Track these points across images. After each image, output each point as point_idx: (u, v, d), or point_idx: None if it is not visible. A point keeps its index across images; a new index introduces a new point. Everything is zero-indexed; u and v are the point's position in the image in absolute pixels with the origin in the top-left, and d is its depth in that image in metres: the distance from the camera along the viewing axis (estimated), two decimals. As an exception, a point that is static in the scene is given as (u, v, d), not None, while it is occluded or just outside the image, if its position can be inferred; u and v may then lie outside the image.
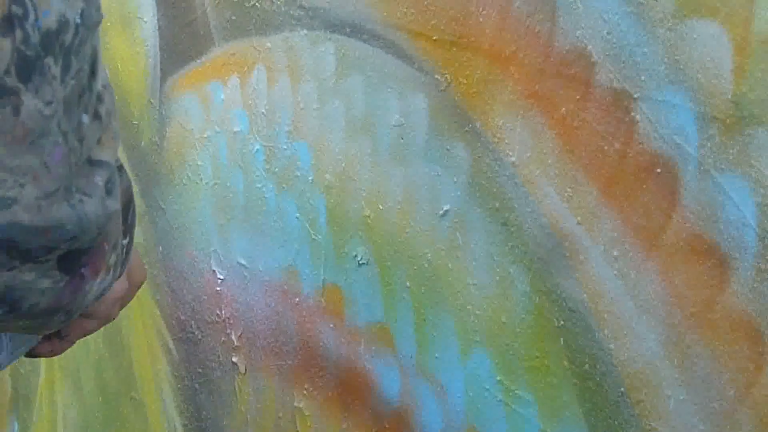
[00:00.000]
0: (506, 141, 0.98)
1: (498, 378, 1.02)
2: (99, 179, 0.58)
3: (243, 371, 1.40)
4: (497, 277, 1.01)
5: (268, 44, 1.29)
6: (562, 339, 0.95)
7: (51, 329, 0.69)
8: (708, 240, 0.82)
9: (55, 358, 1.77)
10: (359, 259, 1.17)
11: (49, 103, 0.52)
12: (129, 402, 1.67)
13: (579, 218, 0.92)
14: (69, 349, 0.86)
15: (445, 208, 1.06)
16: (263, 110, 1.33)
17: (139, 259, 0.89)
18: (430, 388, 1.10)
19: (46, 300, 0.60)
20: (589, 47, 0.89)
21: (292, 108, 1.27)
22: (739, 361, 0.81)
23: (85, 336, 0.85)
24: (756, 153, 0.78)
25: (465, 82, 1.01)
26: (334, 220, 1.21)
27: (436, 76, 1.05)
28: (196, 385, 1.49)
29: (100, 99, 0.57)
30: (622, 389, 0.90)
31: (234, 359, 1.41)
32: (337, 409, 1.25)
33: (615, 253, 0.89)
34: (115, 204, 0.60)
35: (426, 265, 1.09)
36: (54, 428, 1.92)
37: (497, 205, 1.00)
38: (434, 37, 1.04)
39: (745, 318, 0.80)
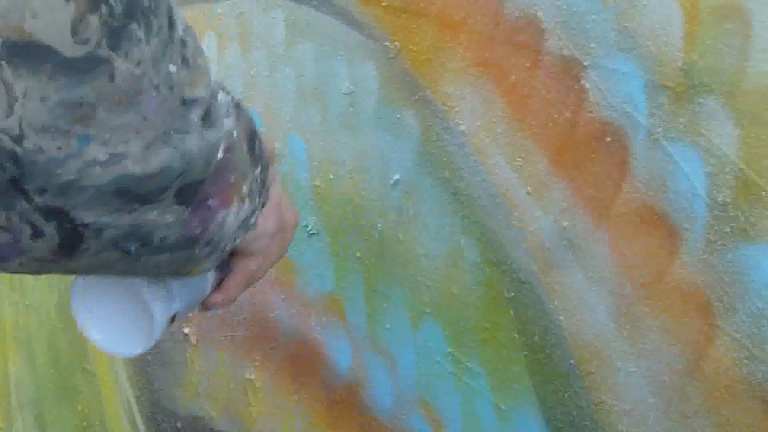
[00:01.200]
0: (456, 109, 0.96)
1: (449, 350, 1.00)
2: (194, 116, 0.62)
3: (195, 342, 1.37)
4: (448, 248, 0.99)
5: (219, 10, 1.25)
6: (512, 311, 0.93)
7: (202, 265, 0.72)
8: (658, 210, 0.80)
9: (7, 328, 1.74)
10: (310, 229, 1.15)
11: (139, 64, 0.57)
12: (81, 373, 1.64)
13: (529, 188, 0.90)
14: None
15: (395, 178, 1.03)
16: (213, 77, 1.30)
17: (292, 202, 0.92)
18: (380, 361, 1.08)
19: (174, 232, 0.64)
20: (539, 14, 0.87)
21: (243, 75, 1.24)
22: (689, 333, 0.79)
23: (252, 281, 0.86)
24: (706, 121, 0.76)
25: (415, 49, 0.99)
26: (285, 189, 1.18)
27: (386, 44, 1.02)
28: (148, 357, 1.46)
29: (184, 44, 0.61)
30: (572, 361, 0.88)
31: (186, 330, 1.38)
32: (288, 381, 1.23)
33: (565, 224, 0.87)
34: (216, 134, 0.64)
35: (376, 236, 1.06)
36: (7, 400, 1.88)
37: (447, 174, 0.98)
38: (384, 3, 1.01)
39: (695, 290, 0.78)
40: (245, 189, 0.72)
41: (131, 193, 0.60)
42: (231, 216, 0.70)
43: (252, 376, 1.29)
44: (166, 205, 0.63)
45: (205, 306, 0.85)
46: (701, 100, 0.76)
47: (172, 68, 0.60)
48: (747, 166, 0.74)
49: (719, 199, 0.76)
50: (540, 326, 0.91)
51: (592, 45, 0.83)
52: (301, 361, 1.20)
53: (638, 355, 0.83)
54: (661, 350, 0.81)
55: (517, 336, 0.93)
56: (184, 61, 0.62)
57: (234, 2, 1.23)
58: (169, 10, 0.61)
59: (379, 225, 1.06)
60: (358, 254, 1.09)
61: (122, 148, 0.58)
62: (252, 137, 0.74)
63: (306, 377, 1.20)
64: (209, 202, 0.67)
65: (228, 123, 0.67)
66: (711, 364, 0.78)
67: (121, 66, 0.56)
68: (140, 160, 0.59)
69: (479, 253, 0.96)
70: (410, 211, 1.02)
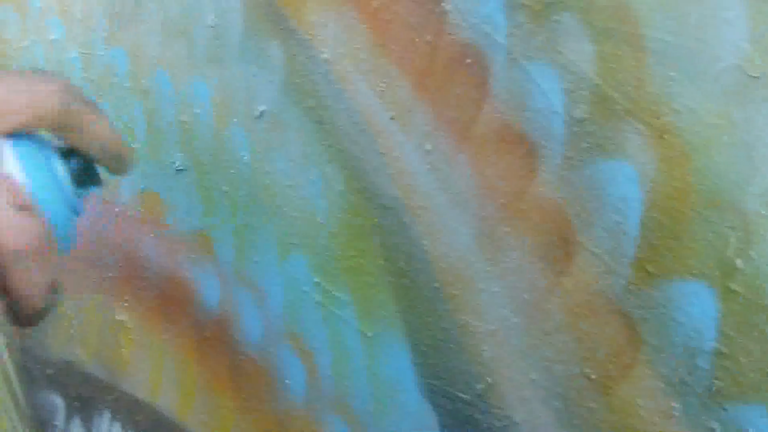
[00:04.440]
0: (320, 38, 0.93)
1: (316, 280, 0.97)
2: None
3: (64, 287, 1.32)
4: (313, 178, 0.96)
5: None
6: (377, 237, 0.91)
7: None
8: (517, 129, 0.78)
9: None
10: (177, 165, 1.11)
11: None
12: (-49, 324, 1.58)
13: (392, 113, 0.87)
14: None
15: (261, 109, 1.00)
16: (79, 16, 1.24)
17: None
18: (249, 294, 1.05)
19: None
20: (399, -65, 0.84)
21: (108, 13, 1.19)
22: (549, 250, 0.78)
23: None
24: (563, 39, 0.74)
25: (277, -23, 0.95)
26: (152, 126, 1.14)
27: (248, -28, 0.98)
28: (19, 303, 1.41)
29: None
30: (436, 284, 0.86)
31: (54, 274, 1.33)
32: (158, 320, 1.19)
33: (428, 147, 0.85)
34: None
35: (243, 169, 1.03)
36: None
37: (312, 103, 0.94)
38: (245, -68, 0.97)
39: (555, 206, 0.77)
40: None
41: None
42: None
43: (122, 317, 1.25)
44: None
45: None
46: (558, 18, 0.74)
47: None
48: (603, 82, 0.72)
49: (576, 115, 0.74)
50: (404, 251, 0.88)
51: (452, -35, 0.80)
52: (170, 300, 1.16)
53: (500, 275, 0.81)
54: (523, 269, 0.80)
55: (382, 262, 0.91)
56: None
57: (97, -62, 1.18)
58: None
59: (245, 158, 1.02)
60: (225, 188, 1.05)
61: None
62: None
63: (175, 315, 1.16)
64: None
65: None
66: (571, 279, 0.77)
67: None
68: None
69: (344, 181, 0.93)
70: (276, 142, 0.99)
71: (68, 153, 0.65)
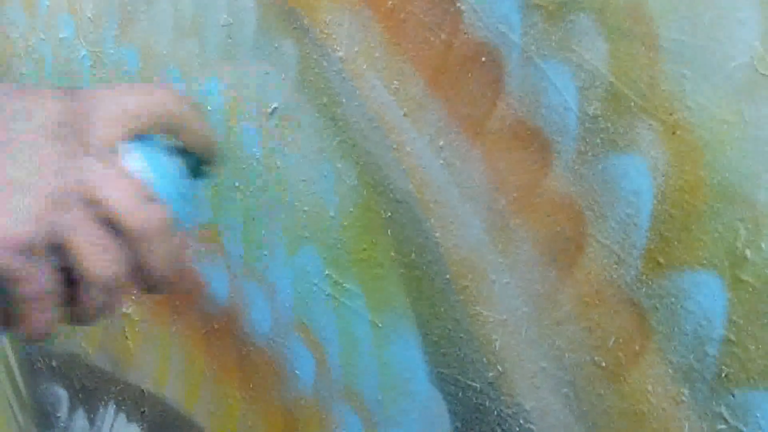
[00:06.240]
0: (334, 36, 0.94)
1: (326, 272, 0.99)
2: None
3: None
4: (325, 173, 0.97)
5: (94, -53, 1.21)
6: (389, 230, 0.92)
7: None
8: (531, 126, 0.80)
9: None
10: (187, 161, 1.12)
11: None
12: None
13: (405, 110, 0.89)
14: None
15: (273, 106, 1.01)
16: (89, 14, 1.25)
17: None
18: (258, 288, 1.06)
19: None
20: (416, -63, 0.85)
21: (119, 11, 1.20)
22: (560, 242, 0.79)
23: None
24: (577, 38, 0.76)
25: (292, -24, 0.97)
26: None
27: (264, -28, 0.99)
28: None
29: None
30: (448, 276, 0.88)
31: (61, 268, 1.34)
32: (165, 314, 1.20)
33: (441, 143, 0.86)
34: None
35: (255, 164, 1.04)
36: None
37: (325, 100, 0.96)
38: (261, -68, 0.98)
39: (567, 200, 0.78)
40: None
41: None
42: None
43: (129, 310, 1.25)
44: None
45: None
46: (573, 18, 0.76)
47: None
48: (616, 79, 0.74)
49: (590, 112, 0.76)
50: (416, 244, 0.90)
51: (468, -34, 0.82)
52: (178, 293, 1.17)
53: (512, 266, 0.83)
54: (534, 261, 0.81)
55: (393, 254, 0.92)
56: None
57: (109, -62, 1.19)
58: None
59: (257, 154, 1.04)
60: (236, 183, 1.07)
61: None
62: None
63: (183, 308, 1.17)
64: None
65: None
66: (582, 271, 0.78)
67: None
68: None
69: (356, 176, 0.94)
70: (288, 138, 1.00)
71: (180, 151, 0.73)
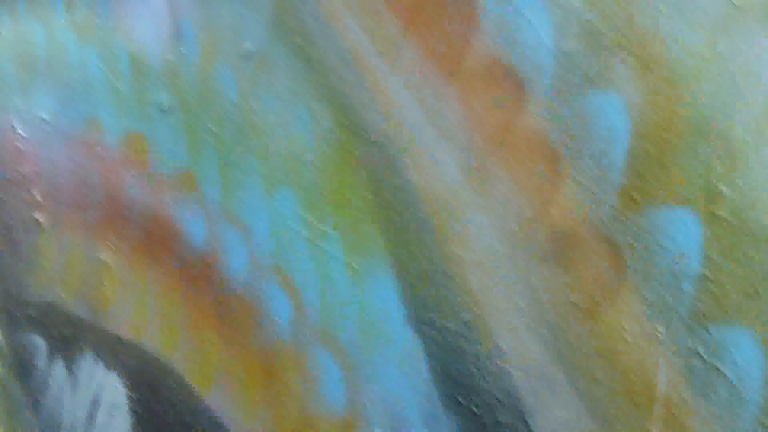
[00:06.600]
0: (308, -24, 0.93)
1: (303, 215, 0.98)
2: None
3: (46, 227, 1.32)
4: (301, 115, 0.96)
5: None
6: (364, 171, 0.91)
7: None
8: (506, 64, 0.79)
9: None
10: (163, 105, 1.10)
11: None
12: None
13: (381, 49, 0.87)
14: None
15: (248, 48, 0.99)
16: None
17: None
18: (235, 231, 1.05)
19: None
20: None
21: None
22: (536, 180, 0.79)
23: None
24: (553, -27, 0.75)
25: None
26: (137, 67, 1.13)
27: None
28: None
29: None
30: (423, 216, 0.87)
31: (36, 216, 1.32)
32: (142, 260, 1.19)
33: (416, 82, 0.85)
34: None
35: (230, 107, 1.03)
36: None
37: (300, 41, 0.94)
38: None
39: (543, 138, 0.77)
40: None
41: None
42: None
43: (106, 258, 1.24)
44: None
45: None
46: (548, -47, 0.75)
47: None
48: (591, 15, 0.73)
49: (565, 48, 0.75)
50: (391, 184, 0.89)
51: None
52: (155, 239, 1.16)
53: (488, 206, 0.82)
54: (510, 200, 0.80)
55: (369, 196, 0.91)
56: None
57: None
58: None
59: (232, 97, 1.02)
60: (212, 128, 1.05)
61: None
62: None
63: (161, 254, 1.16)
64: None
65: None
66: (557, 209, 0.77)
67: None
68: None
69: (332, 118, 0.93)
70: (263, 81, 0.99)
71: None
